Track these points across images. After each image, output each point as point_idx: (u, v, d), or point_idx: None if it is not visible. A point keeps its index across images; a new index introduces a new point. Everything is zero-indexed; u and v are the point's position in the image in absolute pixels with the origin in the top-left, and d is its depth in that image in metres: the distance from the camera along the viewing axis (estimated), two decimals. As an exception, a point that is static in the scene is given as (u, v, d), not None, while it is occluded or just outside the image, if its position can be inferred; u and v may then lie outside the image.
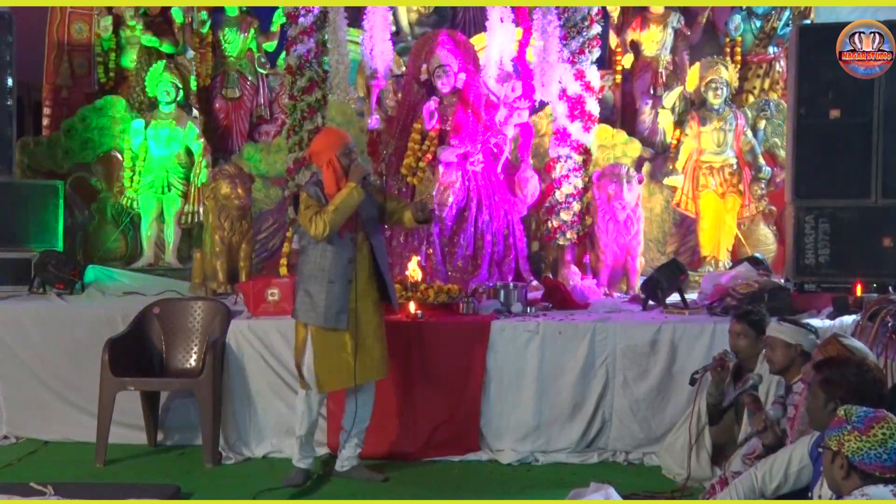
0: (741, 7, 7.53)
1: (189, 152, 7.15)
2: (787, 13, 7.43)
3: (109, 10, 7.78)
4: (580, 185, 6.43)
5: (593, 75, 6.50)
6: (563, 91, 6.41)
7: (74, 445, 5.28)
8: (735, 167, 6.84)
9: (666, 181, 7.05)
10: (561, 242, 6.46)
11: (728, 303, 5.37)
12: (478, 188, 6.22)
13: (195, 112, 7.54)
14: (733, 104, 7.01)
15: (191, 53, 7.75)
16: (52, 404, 5.40)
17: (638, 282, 6.27)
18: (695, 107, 7.05)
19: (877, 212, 5.39)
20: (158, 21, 7.71)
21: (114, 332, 5.18)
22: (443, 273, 6.01)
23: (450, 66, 6.22)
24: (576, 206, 6.41)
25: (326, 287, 4.44)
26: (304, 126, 6.51)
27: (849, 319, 4.91)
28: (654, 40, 7.48)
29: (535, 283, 6.13)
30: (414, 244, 6.09)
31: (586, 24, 6.43)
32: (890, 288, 5.28)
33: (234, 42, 7.87)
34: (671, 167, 7.00)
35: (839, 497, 2.64)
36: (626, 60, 7.58)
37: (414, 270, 5.62)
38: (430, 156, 6.20)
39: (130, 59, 7.78)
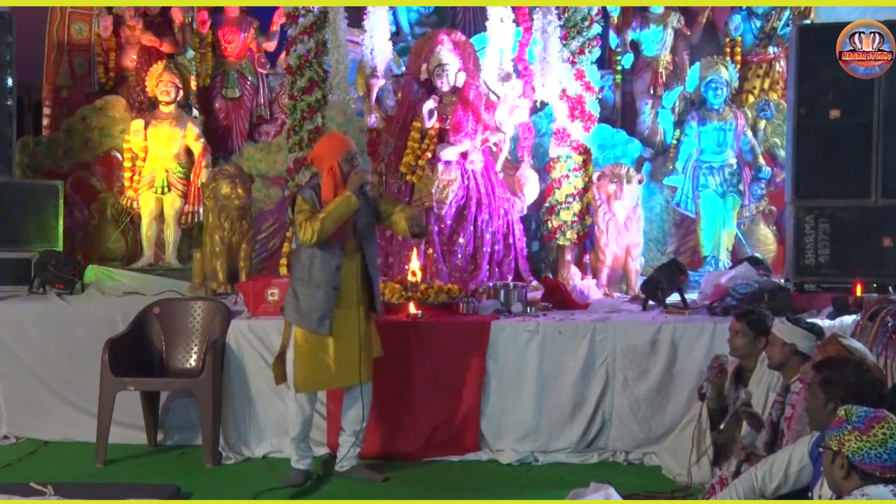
0: (741, 7, 7.53)
1: (189, 152, 7.15)
2: (787, 13, 7.42)
3: (109, 10, 7.78)
4: (580, 185, 6.42)
5: (593, 75, 6.50)
6: (564, 91, 6.41)
7: (74, 445, 5.28)
8: (735, 167, 6.85)
9: (666, 181, 7.06)
10: (561, 242, 6.45)
11: (728, 303, 5.37)
12: (477, 187, 6.22)
13: (195, 112, 7.54)
14: (733, 104, 7.02)
15: (191, 53, 7.75)
16: (52, 404, 5.40)
17: (638, 282, 6.26)
18: (695, 107, 7.05)
19: (877, 212, 5.38)
20: (158, 21, 7.70)
21: (114, 332, 5.18)
22: (443, 272, 6.00)
23: (449, 65, 6.23)
24: (576, 206, 6.40)
25: (312, 292, 4.43)
26: (304, 126, 6.50)
27: (849, 319, 4.90)
28: (655, 40, 7.49)
29: (535, 283, 6.13)
30: (413, 243, 6.08)
31: (586, 24, 6.43)
32: (890, 288, 5.27)
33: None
34: (671, 167, 7.02)
35: (839, 497, 2.64)
36: (626, 60, 7.59)
37: (414, 271, 5.61)
38: (429, 154, 6.21)
39: (130, 59, 7.78)
